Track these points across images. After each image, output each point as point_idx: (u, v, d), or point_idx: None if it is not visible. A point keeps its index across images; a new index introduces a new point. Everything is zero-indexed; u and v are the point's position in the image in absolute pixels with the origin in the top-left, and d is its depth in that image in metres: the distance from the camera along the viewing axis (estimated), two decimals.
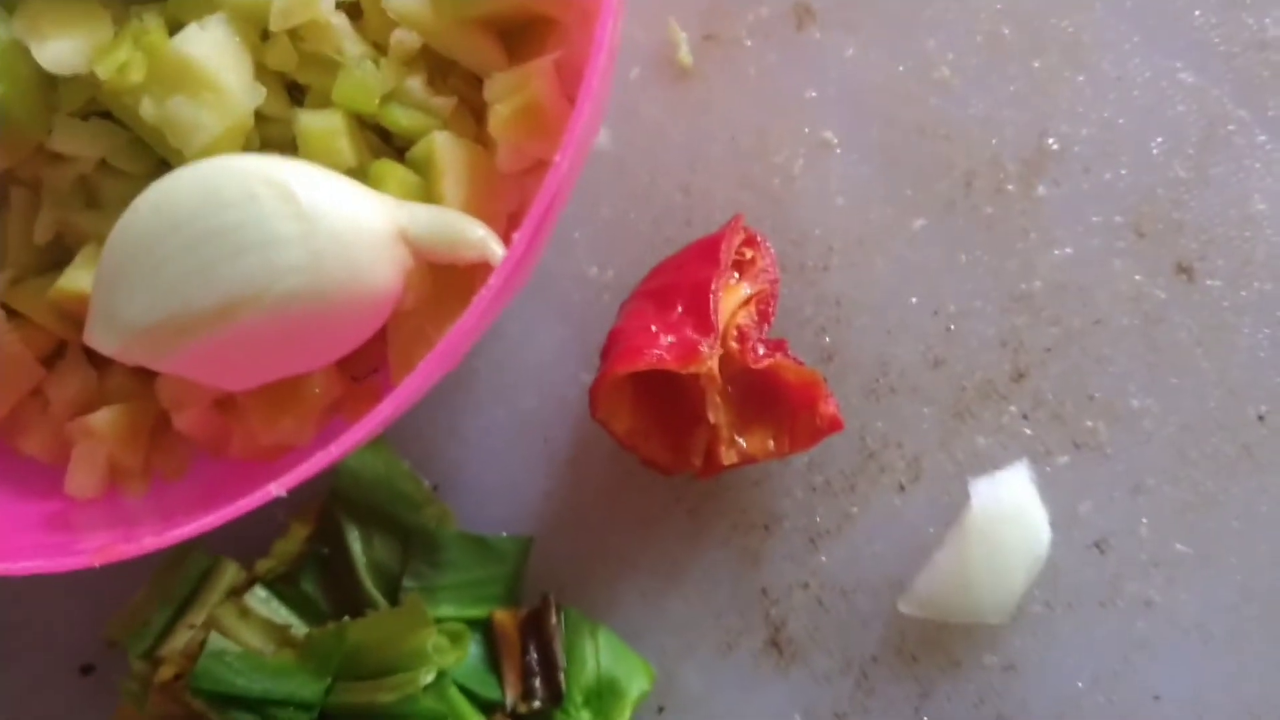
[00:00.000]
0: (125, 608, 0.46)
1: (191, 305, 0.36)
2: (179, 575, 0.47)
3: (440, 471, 0.48)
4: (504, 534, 0.47)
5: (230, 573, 0.47)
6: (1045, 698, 0.44)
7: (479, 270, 0.38)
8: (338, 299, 0.36)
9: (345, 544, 0.47)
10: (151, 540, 0.35)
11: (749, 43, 0.48)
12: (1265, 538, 0.43)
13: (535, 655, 0.46)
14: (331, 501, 0.48)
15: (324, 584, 0.48)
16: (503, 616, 0.46)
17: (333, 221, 0.36)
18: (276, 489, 0.34)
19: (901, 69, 0.47)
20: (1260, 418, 0.44)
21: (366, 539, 0.47)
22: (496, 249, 0.37)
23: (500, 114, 0.39)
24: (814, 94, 0.47)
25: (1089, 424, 0.44)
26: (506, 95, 0.39)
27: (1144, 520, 0.44)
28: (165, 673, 0.43)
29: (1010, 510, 0.43)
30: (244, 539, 0.47)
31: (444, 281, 0.39)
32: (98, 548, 0.36)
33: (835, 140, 0.47)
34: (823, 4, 0.47)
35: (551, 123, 0.39)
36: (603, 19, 0.35)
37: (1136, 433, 0.44)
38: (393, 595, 0.46)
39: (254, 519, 0.48)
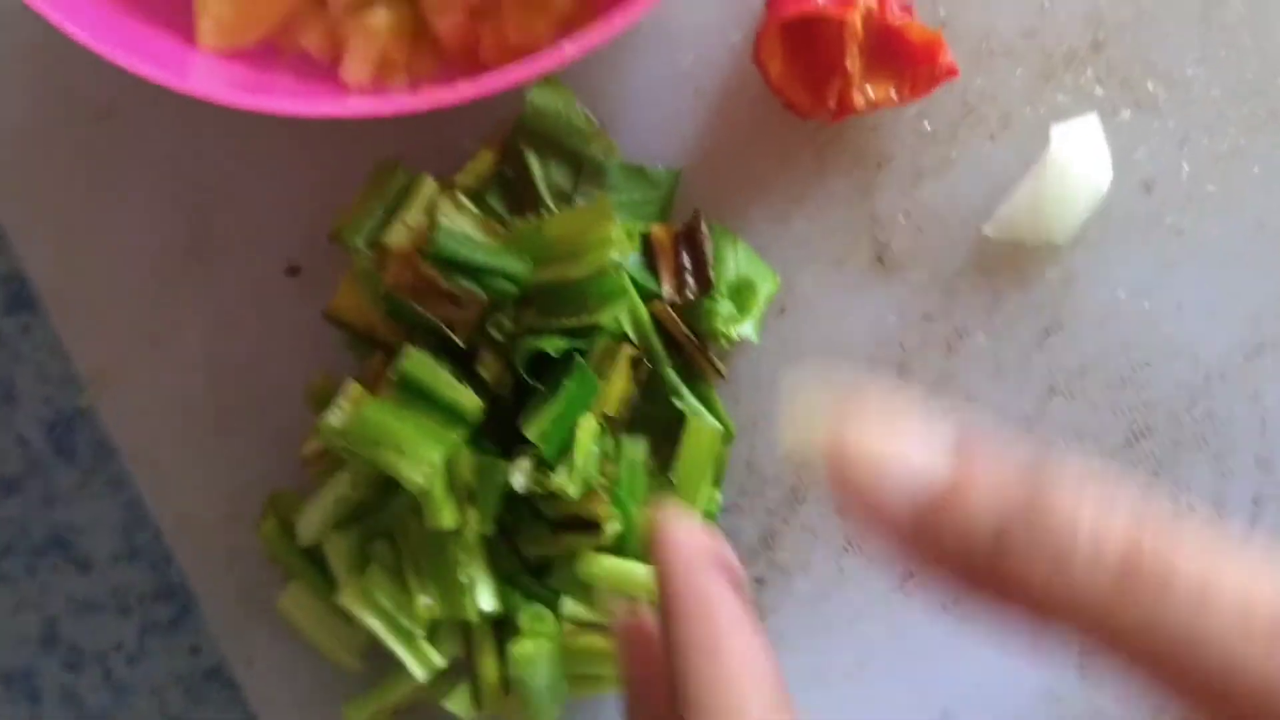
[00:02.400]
0: (344, 209, 0.56)
1: None
2: (388, 185, 0.56)
3: (608, 113, 0.57)
4: (659, 166, 0.57)
5: (429, 186, 0.57)
6: (1093, 304, 0.55)
7: None
8: None
9: (527, 167, 0.57)
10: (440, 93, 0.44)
11: None
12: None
13: (688, 258, 0.56)
14: (516, 133, 0.57)
15: (508, 202, 0.58)
16: (658, 230, 0.57)
17: None
18: (569, 48, 0.43)
19: None
20: None
21: (545, 164, 0.57)
22: None
23: None
24: None
25: (1150, 87, 0.55)
26: None
27: (1185, 165, 0.54)
28: (405, 243, 0.53)
29: (1081, 149, 0.53)
30: (438, 163, 0.56)
31: None
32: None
33: None
34: None
35: None
36: None
37: (1187, 95, 0.55)
38: None
39: (446, 147, 0.57)
